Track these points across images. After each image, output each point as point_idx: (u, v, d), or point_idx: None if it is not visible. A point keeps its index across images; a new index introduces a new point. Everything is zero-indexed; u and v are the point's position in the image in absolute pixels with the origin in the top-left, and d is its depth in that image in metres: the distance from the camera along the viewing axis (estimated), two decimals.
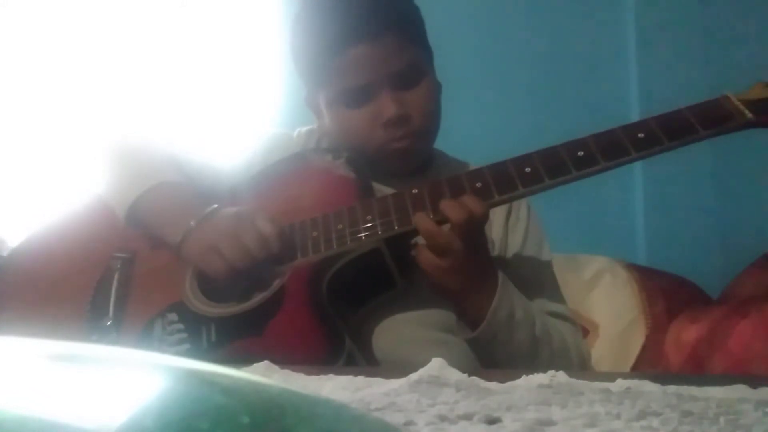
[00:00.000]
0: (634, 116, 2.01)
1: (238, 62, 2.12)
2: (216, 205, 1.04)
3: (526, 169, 0.98)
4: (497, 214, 1.15)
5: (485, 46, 2.14)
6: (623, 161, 0.97)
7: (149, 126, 1.25)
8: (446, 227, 0.98)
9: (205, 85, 2.09)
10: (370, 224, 1.01)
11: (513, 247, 1.17)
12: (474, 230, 0.98)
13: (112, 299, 1.05)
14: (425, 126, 1.14)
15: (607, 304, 1.71)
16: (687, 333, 1.58)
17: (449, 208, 0.97)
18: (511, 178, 0.99)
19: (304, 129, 1.26)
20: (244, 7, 2.13)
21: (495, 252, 1.15)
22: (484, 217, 0.98)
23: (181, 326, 1.00)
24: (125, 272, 1.08)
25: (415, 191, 1.02)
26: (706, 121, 0.96)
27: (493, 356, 1.02)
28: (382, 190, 1.11)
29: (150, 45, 2.08)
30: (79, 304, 1.06)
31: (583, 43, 2.17)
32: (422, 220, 0.98)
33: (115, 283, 1.07)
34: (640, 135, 0.97)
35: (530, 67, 2.16)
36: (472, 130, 1.92)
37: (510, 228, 1.17)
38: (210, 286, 1.04)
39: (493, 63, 2.14)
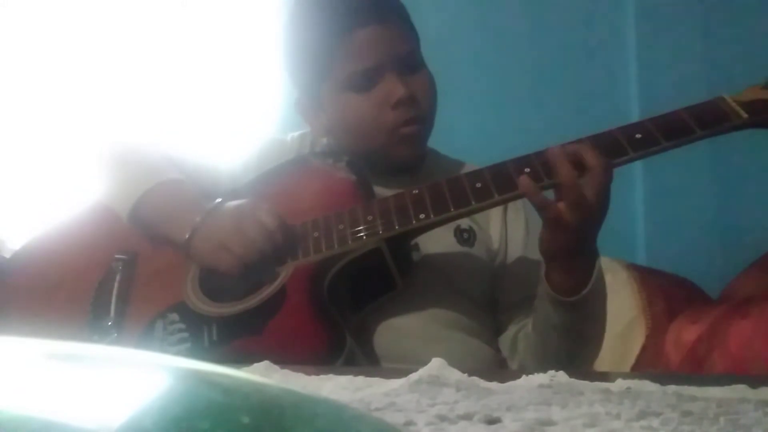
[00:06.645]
0: (634, 115, 2.02)
1: (235, 67, 2.12)
2: (220, 200, 1.06)
3: (525, 170, 0.98)
4: (494, 209, 1.15)
5: (482, 43, 2.14)
6: (621, 162, 0.97)
7: (147, 129, 1.26)
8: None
9: (202, 89, 2.10)
10: (370, 224, 1.01)
11: (515, 241, 1.17)
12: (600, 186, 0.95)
13: (114, 300, 1.06)
14: (430, 111, 1.16)
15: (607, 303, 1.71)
16: (687, 333, 1.58)
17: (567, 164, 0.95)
18: (511, 179, 0.99)
19: (296, 133, 1.27)
20: (243, 11, 2.13)
21: (495, 246, 1.16)
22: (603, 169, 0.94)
23: (182, 326, 1.01)
24: (127, 273, 1.09)
25: (415, 192, 1.03)
26: (703, 121, 0.97)
27: (592, 316, 1.04)
28: (379, 191, 1.11)
29: (149, 49, 2.08)
30: (80, 304, 1.07)
31: (583, 42, 2.17)
32: (565, 171, 0.94)
33: (116, 284, 1.07)
34: (638, 135, 0.97)
35: (529, 65, 2.16)
36: (468, 129, 1.92)
37: (509, 223, 1.18)
38: (212, 286, 1.04)
39: (491, 60, 2.14)
